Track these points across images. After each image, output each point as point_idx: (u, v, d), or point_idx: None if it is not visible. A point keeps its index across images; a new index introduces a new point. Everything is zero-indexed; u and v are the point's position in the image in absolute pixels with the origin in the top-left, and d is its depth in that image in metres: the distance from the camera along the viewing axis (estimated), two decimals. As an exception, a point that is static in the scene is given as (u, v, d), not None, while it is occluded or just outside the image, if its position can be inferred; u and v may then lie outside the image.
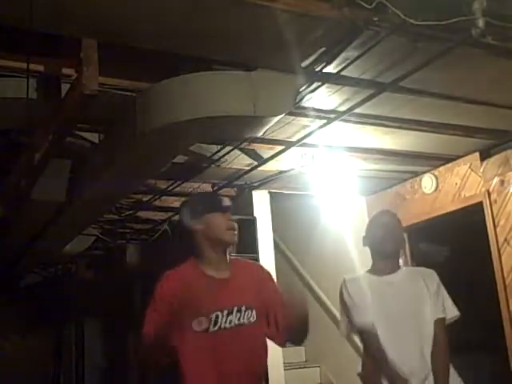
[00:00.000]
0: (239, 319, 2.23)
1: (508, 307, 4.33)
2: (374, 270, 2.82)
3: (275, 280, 2.56)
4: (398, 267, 2.84)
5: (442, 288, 2.81)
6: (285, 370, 4.97)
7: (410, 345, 2.66)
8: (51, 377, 7.24)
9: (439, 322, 2.69)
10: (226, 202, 2.37)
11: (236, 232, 2.34)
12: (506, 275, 4.37)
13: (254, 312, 2.27)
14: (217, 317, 2.19)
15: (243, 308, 2.25)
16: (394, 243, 2.82)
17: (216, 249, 2.32)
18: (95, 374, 7.06)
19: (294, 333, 2.36)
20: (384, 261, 2.80)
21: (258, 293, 2.34)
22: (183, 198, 5.02)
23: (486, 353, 5.35)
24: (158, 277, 2.35)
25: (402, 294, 2.74)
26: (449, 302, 2.79)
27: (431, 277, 2.81)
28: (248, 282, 2.35)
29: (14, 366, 6.51)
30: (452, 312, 2.77)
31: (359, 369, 2.78)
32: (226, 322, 2.20)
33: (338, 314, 5.37)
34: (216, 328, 2.19)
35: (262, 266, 2.53)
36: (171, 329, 2.12)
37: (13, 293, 6.80)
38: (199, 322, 2.18)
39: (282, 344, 2.50)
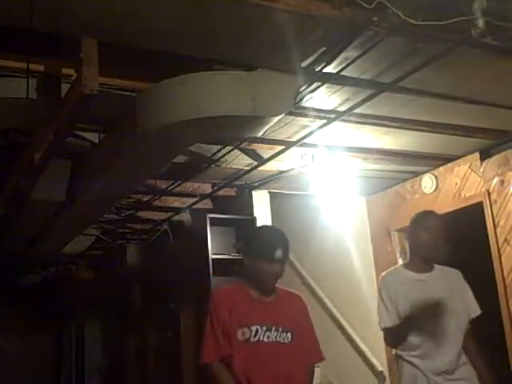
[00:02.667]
0: (276, 337, 2.52)
1: (508, 307, 4.33)
2: (410, 266, 2.99)
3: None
4: (433, 266, 3.00)
5: (467, 287, 3.02)
6: (285, 370, 4.97)
7: (437, 339, 2.84)
8: (51, 377, 7.24)
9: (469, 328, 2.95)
10: (279, 254, 2.55)
11: (279, 276, 2.60)
12: (506, 275, 4.37)
13: (289, 334, 2.55)
14: (257, 330, 2.48)
15: (280, 329, 2.54)
16: (436, 250, 2.94)
17: (260, 283, 2.60)
18: (95, 374, 7.06)
19: None
20: (422, 261, 2.97)
21: (295, 319, 2.64)
22: (183, 198, 5.06)
23: (486, 353, 5.35)
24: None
25: (434, 292, 2.88)
26: (474, 302, 2.99)
27: (459, 277, 3.02)
28: (288, 308, 2.65)
29: (13, 366, 6.51)
30: (476, 311, 2.97)
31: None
32: (264, 336, 2.49)
33: (338, 315, 5.34)
34: (256, 339, 2.47)
35: (301, 297, 2.79)
36: (225, 340, 2.47)
37: (13, 293, 6.80)
38: (242, 333, 2.47)
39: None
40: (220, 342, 2.47)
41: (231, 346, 2.46)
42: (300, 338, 2.60)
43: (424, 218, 3.02)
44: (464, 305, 2.95)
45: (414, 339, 2.87)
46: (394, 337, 2.92)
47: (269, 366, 2.47)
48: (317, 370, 5.64)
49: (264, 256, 2.54)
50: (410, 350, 2.89)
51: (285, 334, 2.54)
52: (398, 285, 2.95)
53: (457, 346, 2.87)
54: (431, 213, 3.13)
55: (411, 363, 2.87)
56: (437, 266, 3.02)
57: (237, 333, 2.46)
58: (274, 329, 2.51)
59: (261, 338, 2.48)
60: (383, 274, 3.07)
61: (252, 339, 2.46)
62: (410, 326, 2.84)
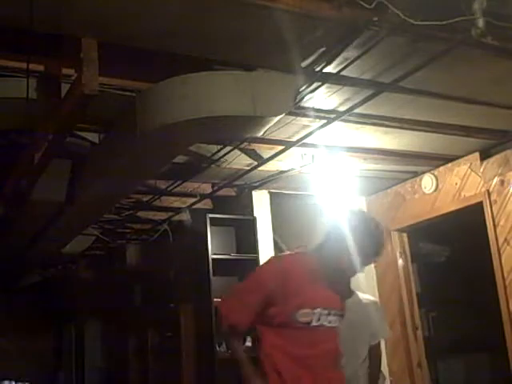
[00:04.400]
0: (335, 322, 2.31)
1: (508, 307, 4.33)
2: None
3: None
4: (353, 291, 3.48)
5: (381, 313, 3.54)
6: (285, 369, 4.96)
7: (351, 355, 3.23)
8: (51, 377, 7.24)
9: (374, 347, 3.37)
10: (378, 258, 2.36)
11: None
12: (506, 275, 4.37)
13: (340, 318, 2.36)
14: (320, 314, 2.25)
15: (339, 312, 2.34)
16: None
17: (336, 277, 2.33)
18: (95, 374, 7.06)
19: None
20: None
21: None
22: (183, 198, 5.07)
23: (486, 353, 5.36)
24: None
25: (354, 312, 3.25)
26: (385, 325, 3.53)
27: (375, 305, 3.52)
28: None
29: (13, 366, 6.51)
30: (386, 333, 3.53)
31: None
32: (325, 320, 2.27)
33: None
34: (317, 324, 2.24)
35: None
36: (261, 311, 2.21)
37: (13, 293, 6.80)
38: (304, 314, 2.21)
39: None
40: (251, 311, 2.23)
41: (283, 327, 2.21)
42: None
43: None
44: (372, 327, 3.38)
45: None
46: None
47: (330, 352, 2.31)
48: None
49: (367, 255, 2.29)
50: None
51: (339, 317, 2.35)
52: None
53: (361, 357, 3.31)
54: None
55: None
56: (357, 292, 3.42)
57: (296, 313, 2.20)
58: (333, 312, 2.30)
59: (323, 323, 2.25)
60: None
61: (314, 323, 2.22)
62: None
